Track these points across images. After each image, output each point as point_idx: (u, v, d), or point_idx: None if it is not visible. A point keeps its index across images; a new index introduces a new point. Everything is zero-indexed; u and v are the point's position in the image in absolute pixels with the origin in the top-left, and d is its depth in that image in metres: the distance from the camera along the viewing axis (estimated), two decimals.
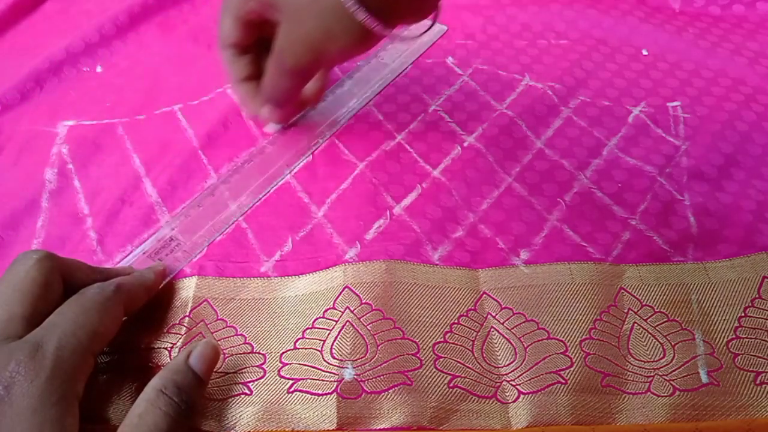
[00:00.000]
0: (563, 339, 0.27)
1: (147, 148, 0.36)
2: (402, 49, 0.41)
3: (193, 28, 0.43)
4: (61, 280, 0.25)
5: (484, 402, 0.25)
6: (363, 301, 0.28)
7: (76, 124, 0.37)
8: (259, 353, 0.27)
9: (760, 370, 0.26)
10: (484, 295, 0.29)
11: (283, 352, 0.27)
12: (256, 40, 0.32)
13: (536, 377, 0.26)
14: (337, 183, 0.33)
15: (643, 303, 0.28)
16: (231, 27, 0.31)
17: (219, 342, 0.27)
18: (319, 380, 0.26)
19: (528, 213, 0.32)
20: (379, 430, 0.25)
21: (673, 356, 0.26)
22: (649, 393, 0.25)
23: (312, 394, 0.25)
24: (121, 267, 0.29)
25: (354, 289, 0.28)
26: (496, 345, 0.27)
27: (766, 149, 0.34)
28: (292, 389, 0.26)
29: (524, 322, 0.28)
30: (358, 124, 0.36)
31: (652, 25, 0.42)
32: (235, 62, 0.32)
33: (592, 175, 0.33)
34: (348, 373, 0.26)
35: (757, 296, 0.28)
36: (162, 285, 0.29)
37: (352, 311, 0.27)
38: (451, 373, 0.26)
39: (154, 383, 0.23)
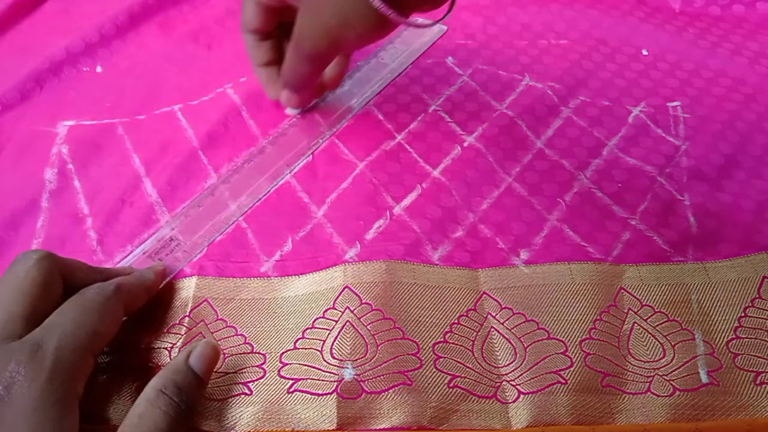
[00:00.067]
0: (563, 339, 0.27)
1: (147, 148, 0.36)
2: (402, 49, 0.41)
3: (193, 28, 0.43)
4: (61, 280, 0.25)
5: (484, 402, 0.25)
6: (363, 301, 0.28)
7: (76, 124, 0.37)
8: (259, 353, 0.27)
9: (760, 370, 0.26)
10: (484, 295, 0.29)
11: (283, 352, 0.27)
12: (277, 26, 0.33)
13: (536, 377, 0.26)
14: (337, 183, 0.33)
15: (643, 303, 0.28)
16: (253, 13, 0.32)
17: (219, 342, 0.27)
18: (319, 380, 0.26)
19: (528, 213, 0.32)
20: (379, 430, 0.25)
21: (673, 356, 0.26)
22: (649, 393, 0.26)
23: (312, 394, 0.25)
24: (121, 267, 0.29)
25: (354, 289, 0.28)
26: (496, 345, 0.27)
27: (766, 149, 0.34)
28: (292, 389, 0.26)
29: (524, 322, 0.28)
30: (358, 124, 0.36)
31: (652, 25, 0.42)
32: (257, 47, 0.34)
33: (592, 175, 0.33)
34: (348, 373, 0.26)
35: (757, 296, 0.28)
36: (162, 285, 0.29)
37: (352, 311, 0.27)
38: (451, 373, 0.26)
39: (154, 383, 0.23)
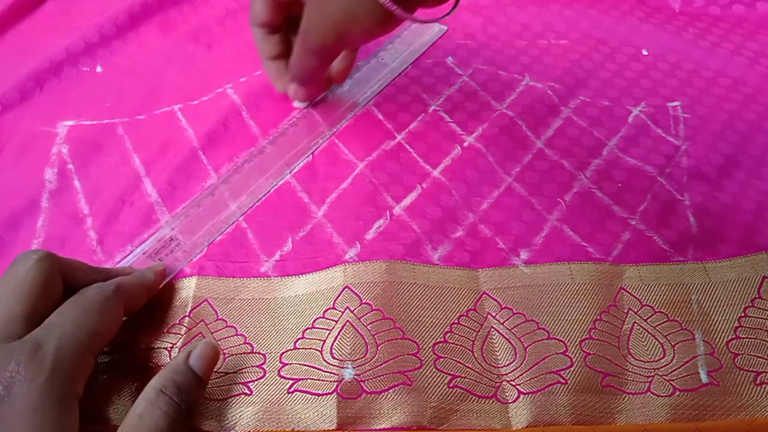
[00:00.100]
0: (563, 339, 0.27)
1: (147, 148, 0.36)
2: (402, 49, 0.41)
3: (193, 28, 0.43)
4: (61, 280, 0.25)
5: (484, 402, 0.25)
6: (363, 301, 0.28)
7: (76, 124, 0.37)
8: (259, 353, 0.27)
9: (760, 370, 0.26)
10: (484, 295, 0.29)
11: (283, 352, 0.27)
12: (285, 20, 0.33)
13: (536, 377, 0.26)
14: (337, 183, 0.33)
15: (643, 303, 0.28)
16: (261, 6, 0.32)
17: (219, 342, 0.27)
18: (319, 380, 0.26)
19: (528, 213, 0.32)
20: (379, 430, 0.25)
21: (673, 356, 0.26)
22: (649, 393, 0.26)
23: (312, 394, 0.25)
24: (121, 267, 0.29)
25: (354, 289, 0.28)
26: (496, 345, 0.27)
27: (766, 149, 0.35)
28: (292, 389, 0.26)
29: (524, 322, 0.28)
30: (358, 124, 0.36)
31: (652, 25, 0.42)
32: (265, 41, 0.34)
33: (592, 175, 0.33)
34: (348, 373, 0.26)
35: (757, 296, 0.28)
36: (162, 285, 0.29)
37: (352, 311, 0.27)
38: (451, 373, 0.26)
39: (154, 383, 0.23)
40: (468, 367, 0.26)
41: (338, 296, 0.28)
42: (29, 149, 0.36)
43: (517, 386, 0.26)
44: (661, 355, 0.27)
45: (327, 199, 0.33)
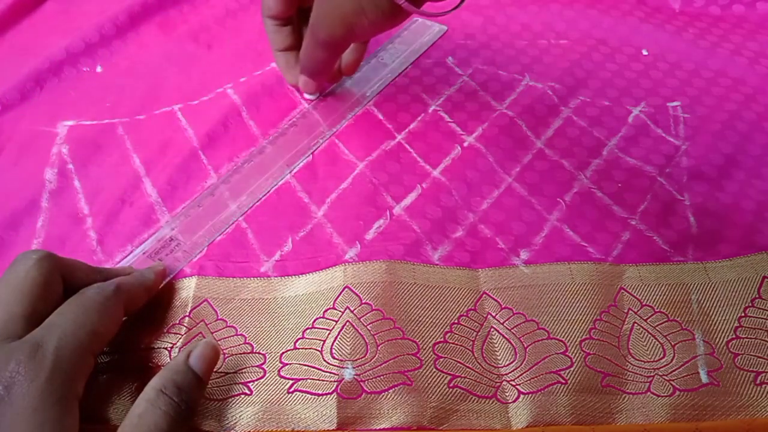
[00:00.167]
0: (563, 339, 0.27)
1: (147, 148, 0.36)
2: (402, 49, 0.41)
3: (193, 28, 0.43)
4: (61, 280, 0.25)
5: (484, 402, 0.25)
6: (363, 301, 0.28)
7: (76, 124, 0.37)
8: (259, 353, 0.27)
9: (760, 370, 0.26)
10: (484, 295, 0.29)
11: (283, 352, 0.27)
12: (296, 12, 0.34)
13: (536, 377, 0.26)
14: (337, 183, 0.33)
15: (643, 303, 0.28)
16: None
17: (219, 342, 0.27)
18: (319, 380, 0.26)
19: (528, 213, 0.32)
20: (379, 430, 0.25)
21: (673, 356, 0.26)
22: (649, 393, 0.26)
23: (312, 394, 0.25)
24: (121, 267, 0.29)
25: (354, 289, 0.28)
26: (496, 345, 0.27)
27: (766, 149, 0.35)
28: (292, 389, 0.26)
29: (524, 322, 0.28)
30: (358, 124, 0.36)
31: (652, 25, 0.42)
32: (276, 32, 0.35)
33: (592, 175, 0.33)
34: (348, 373, 0.26)
35: (757, 296, 0.28)
36: (162, 285, 0.29)
37: (352, 311, 0.27)
38: (451, 373, 0.26)
39: (154, 383, 0.23)
40: (468, 367, 0.26)
41: (338, 296, 0.28)
42: (29, 149, 0.36)
43: (517, 386, 0.26)
44: (661, 355, 0.27)
45: (327, 199, 0.33)
